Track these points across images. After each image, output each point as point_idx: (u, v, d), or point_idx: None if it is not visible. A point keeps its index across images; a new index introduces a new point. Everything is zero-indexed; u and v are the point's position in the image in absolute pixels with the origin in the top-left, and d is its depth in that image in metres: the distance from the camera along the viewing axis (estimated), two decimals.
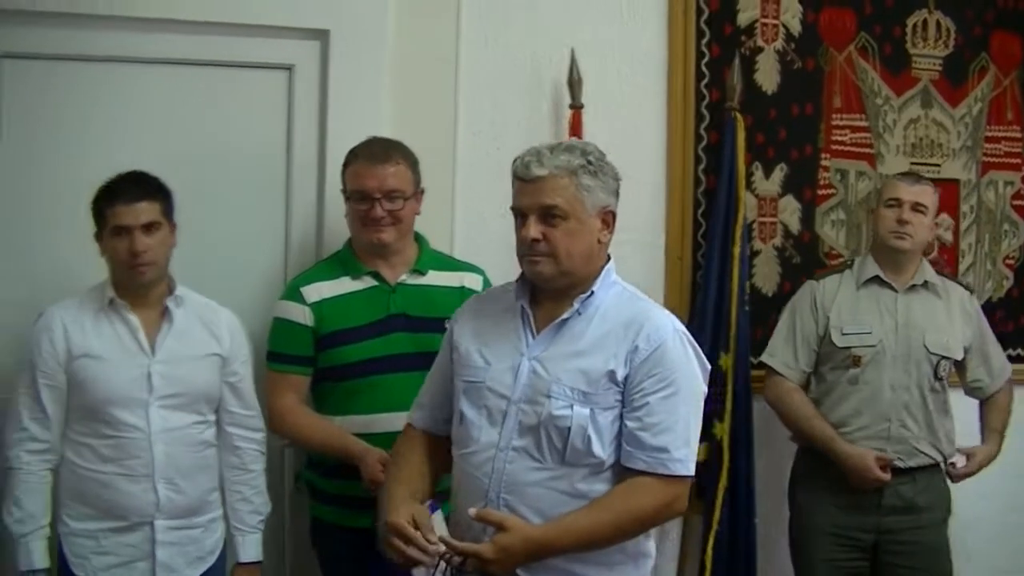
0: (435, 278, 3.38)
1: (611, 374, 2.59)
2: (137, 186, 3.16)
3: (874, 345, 3.69)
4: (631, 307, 2.69)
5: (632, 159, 3.95)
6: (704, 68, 4.11)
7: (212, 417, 3.26)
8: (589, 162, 2.61)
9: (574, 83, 3.85)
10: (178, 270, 3.32)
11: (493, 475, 2.62)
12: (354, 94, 3.72)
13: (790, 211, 4.25)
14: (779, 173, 4.22)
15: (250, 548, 3.33)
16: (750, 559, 4.02)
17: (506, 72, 3.91)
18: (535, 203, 2.61)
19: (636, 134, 4.04)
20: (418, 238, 3.44)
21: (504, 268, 3.55)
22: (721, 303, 3.97)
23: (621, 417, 2.60)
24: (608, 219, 2.67)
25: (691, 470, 2.64)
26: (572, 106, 3.86)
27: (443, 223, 3.69)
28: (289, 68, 3.76)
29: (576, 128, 3.83)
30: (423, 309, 3.34)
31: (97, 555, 3.12)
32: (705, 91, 4.11)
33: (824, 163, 4.29)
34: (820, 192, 4.29)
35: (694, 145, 4.10)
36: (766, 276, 4.23)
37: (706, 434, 3.90)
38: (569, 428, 2.57)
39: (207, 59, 3.71)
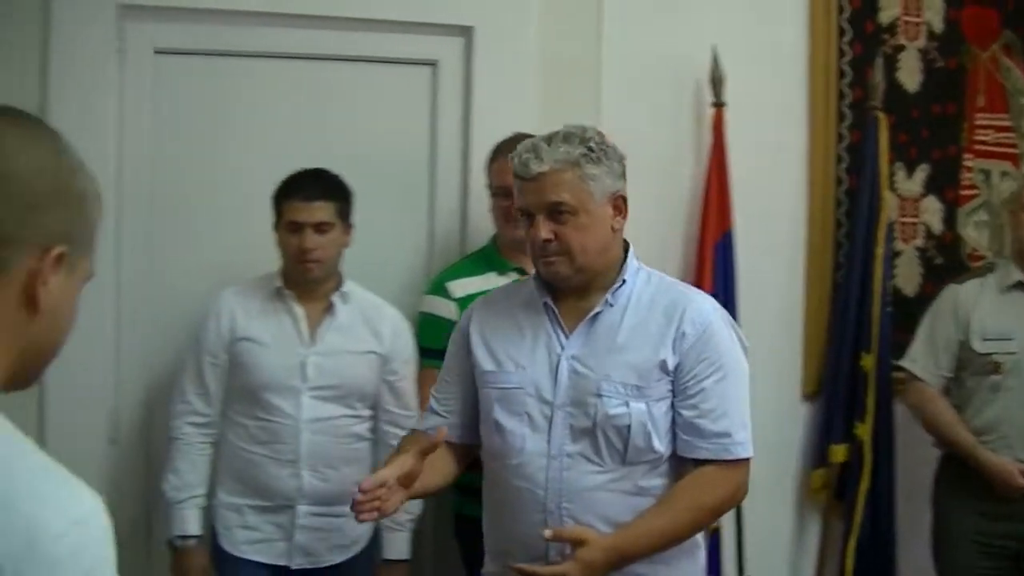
0: None
1: (662, 364, 2.46)
2: (316, 185, 3.24)
3: (1015, 352, 3.58)
4: (667, 292, 2.56)
5: (773, 158, 4.00)
6: (846, 67, 4.06)
7: (366, 412, 3.30)
8: (590, 149, 2.46)
9: (716, 81, 3.83)
10: None
11: (548, 485, 2.46)
12: (498, 91, 3.73)
13: (932, 211, 4.18)
14: (921, 173, 4.16)
15: (398, 546, 3.37)
16: (890, 563, 3.97)
17: (648, 70, 3.89)
18: (541, 202, 2.45)
19: (777, 132, 4.01)
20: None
21: (650, 266, 3.55)
22: (863, 303, 3.92)
23: (673, 407, 2.49)
24: (619, 204, 2.54)
25: (751, 451, 2.52)
26: (714, 104, 3.84)
27: None
28: (433, 64, 3.79)
29: (718, 127, 3.82)
30: None
31: (241, 529, 3.24)
32: (847, 90, 4.06)
33: (967, 163, 4.22)
34: (963, 192, 4.22)
35: (835, 144, 4.05)
36: (908, 277, 4.16)
37: (847, 435, 3.89)
38: (628, 427, 2.44)
39: (353, 55, 3.75)
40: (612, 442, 2.45)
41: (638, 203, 3.77)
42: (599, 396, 2.45)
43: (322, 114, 3.73)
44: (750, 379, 3.68)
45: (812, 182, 4.04)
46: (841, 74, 4.06)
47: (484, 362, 2.60)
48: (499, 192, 3.34)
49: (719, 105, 3.83)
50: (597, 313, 2.51)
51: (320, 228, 3.19)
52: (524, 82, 3.76)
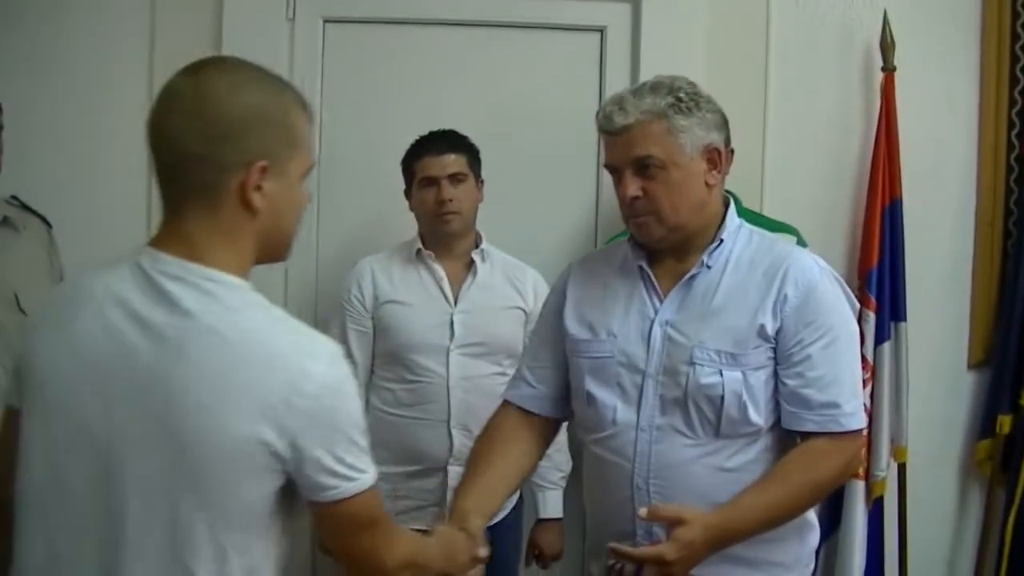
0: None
1: (761, 330, 2.29)
2: (444, 139, 3.32)
3: None
4: (768, 251, 2.37)
5: (943, 123, 3.93)
6: (1020, 30, 3.94)
7: (513, 369, 3.28)
8: (679, 99, 2.28)
9: (887, 46, 3.76)
10: (490, 231, 3.44)
11: (637, 458, 2.32)
12: (666, 57, 3.70)
13: None
14: None
15: (551, 505, 3.42)
16: None
17: (817, 35, 3.85)
18: (627, 157, 2.30)
19: (948, 97, 3.93)
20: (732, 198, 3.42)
21: (817, 233, 3.57)
22: None
23: (775, 376, 2.32)
24: (714, 157, 2.34)
25: (863, 422, 2.37)
26: (884, 69, 3.78)
27: (753, 186, 3.67)
28: (601, 30, 3.81)
29: (888, 91, 3.76)
30: None
31: (393, 499, 3.16)
32: (1020, 53, 3.93)
33: None
34: None
35: (1007, 109, 3.95)
36: None
37: (1014, 405, 3.83)
38: (722, 397, 2.27)
39: (520, 21, 3.80)
40: (705, 413, 2.29)
41: (805, 168, 3.82)
42: (691, 364, 2.29)
43: (490, 81, 3.79)
44: (915, 348, 3.70)
45: (982, 147, 3.95)
46: (1015, 37, 3.93)
47: (576, 330, 2.46)
48: None
49: (889, 70, 3.77)
50: (692, 275, 2.35)
51: (455, 179, 3.26)
52: (692, 47, 3.75)
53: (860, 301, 3.72)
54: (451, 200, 3.24)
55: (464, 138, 3.36)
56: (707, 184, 2.34)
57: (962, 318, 3.95)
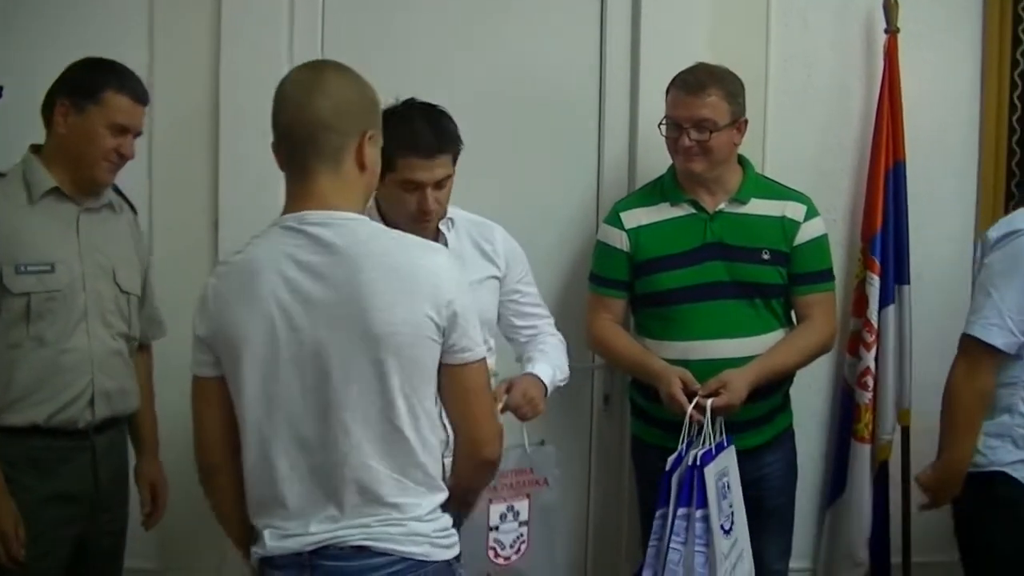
0: (756, 207, 3.35)
1: None
2: (434, 138, 2.91)
3: None
4: None
5: (946, 84, 3.91)
6: None
7: (492, 342, 3.06)
8: None
9: (890, 7, 3.74)
10: (489, 194, 3.41)
11: None
12: (667, 19, 3.71)
13: None
14: None
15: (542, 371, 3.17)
16: None
17: None
18: None
19: (950, 60, 3.92)
20: (744, 163, 3.42)
21: (820, 197, 3.54)
22: None
23: None
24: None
25: None
26: (887, 31, 3.75)
27: (755, 149, 3.62)
28: None
29: (892, 53, 3.74)
30: (741, 238, 3.32)
31: None
32: (1023, 15, 3.93)
33: None
34: None
35: (1010, 72, 3.93)
36: None
37: None
38: None
39: None
40: None
41: (808, 130, 3.80)
42: None
43: (491, 41, 3.76)
44: (918, 311, 3.76)
45: (985, 109, 3.94)
46: None
47: None
48: (668, 124, 3.32)
49: (893, 32, 3.75)
50: None
51: (440, 184, 2.93)
52: (694, 10, 3.74)
53: (864, 265, 3.74)
54: (436, 208, 2.95)
55: (452, 129, 2.97)
56: None
57: (966, 283, 3.93)
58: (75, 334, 2.97)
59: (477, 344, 2.29)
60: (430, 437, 2.27)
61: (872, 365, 3.73)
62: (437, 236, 3.04)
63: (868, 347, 3.74)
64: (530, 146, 3.74)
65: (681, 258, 3.34)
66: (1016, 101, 3.94)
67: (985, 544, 3.07)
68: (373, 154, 2.31)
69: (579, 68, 3.77)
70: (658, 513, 3.06)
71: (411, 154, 2.86)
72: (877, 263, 3.73)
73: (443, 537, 2.28)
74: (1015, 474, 3.00)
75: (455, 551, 2.31)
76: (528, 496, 3.12)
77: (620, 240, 3.38)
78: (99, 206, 3.09)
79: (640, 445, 3.52)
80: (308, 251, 2.20)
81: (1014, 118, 3.95)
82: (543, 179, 3.73)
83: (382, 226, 2.35)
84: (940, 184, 3.89)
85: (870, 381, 3.74)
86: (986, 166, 3.96)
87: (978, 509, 3.09)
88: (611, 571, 3.88)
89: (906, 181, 3.77)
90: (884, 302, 3.74)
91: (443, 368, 2.26)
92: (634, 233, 3.37)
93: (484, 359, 2.32)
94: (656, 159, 3.49)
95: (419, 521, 2.24)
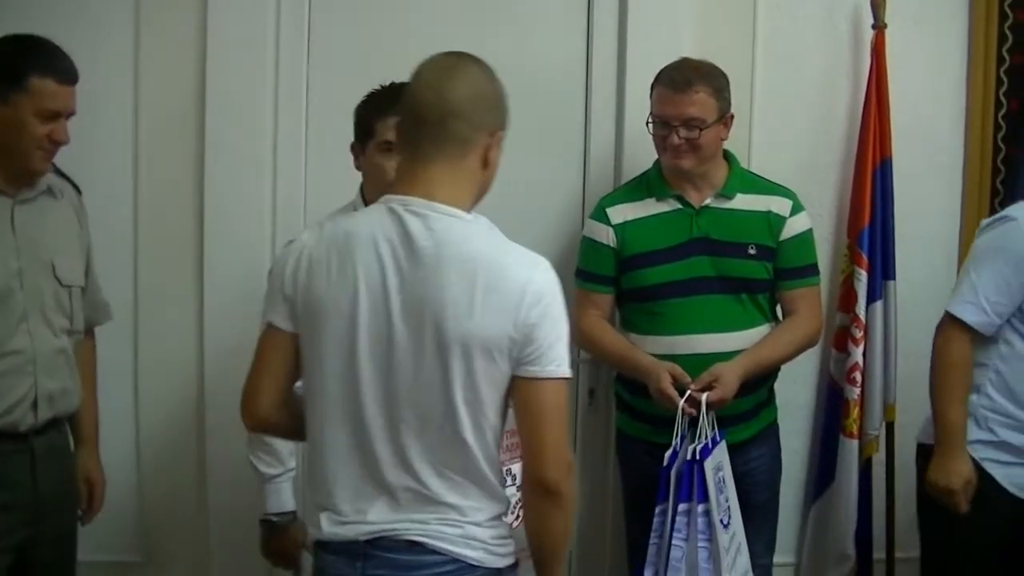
0: (742, 202, 3.35)
1: None
2: None
3: None
4: None
5: (932, 81, 3.92)
6: None
7: None
8: None
9: (876, 3, 3.73)
10: None
11: None
12: (654, 14, 3.70)
13: None
14: None
15: None
16: None
17: None
18: None
19: (936, 55, 3.92)
20: (730, 158, 3.41)
21: (807, 193, 3.54)
22: None
23: None
24: None
25: None
26: (875, 26, 3.75)
27: (741, 144, 3.62)
28: None
29: (879, 49, 3.73)
30: (726, 233, 3.32)
31: None
32: (1009, 11, 3.92)
33: None
34: None
35: (996, 67, 3.94)
36: None
37: None
38: None
39: None
40: None
41: (794, 125, 3.80)
42: None
43: (477, 36, 3.69)
44: (904, 307, 3.72)
45: (971, 105, 3.95)
46: None
47: None
48: (656, 121, 3.31)
49: (880, 27, 3.74)
50: None
51: None
52: (680, 6, 3.73)
53: (851, 260, 3.75)
54: None
55: None
56: None
57: (952, 279, 3.94)
58: (16, 336, 2.80)
59: (554, 362, 2.19)
60: (493, 448, 2.24)
61: (860, 360, 3.73)
62: None
63: (857, 342, 3.74)
64: (516, 141, 3.65)
65: (667, 253, 3.34)
66: (1002, 98, 3.95)
67: (942, 519, 3.16)
68: (497, 155, 2.31)
69: (565, 62, 3.76)
70: (657, 510, 3.06)
71: (389, 111, 2.82)
72: (865, 258, 3.74)
73: (499, 545, 2.27)
74: (974, 453, 3.11)
75: (510, 560, 2.30)
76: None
77: (606, 235, 3.37)
78: (35, 195, 2.90)
79: (625, 439, 3.53)
80: (401, 238, 2.17)
81: (1000, 115, 3.95)
82: (529, 174, 3.72)
83: (487, 228, 2.26)
84: (926, 180, 3.89)
85: (859, 376, 3.74)
86: (972, 163, 3.96)
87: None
88: (595, 564, 3.87)
89: (892, 178, 3.77)
90: (872, 297, 3.75)
91: (515, 381, 2.20)
92: (620, 228, 3.36)
93: (564, 379, 2.21)
94: (642, 154, 3.49)
95: (477, 526, 2.23)
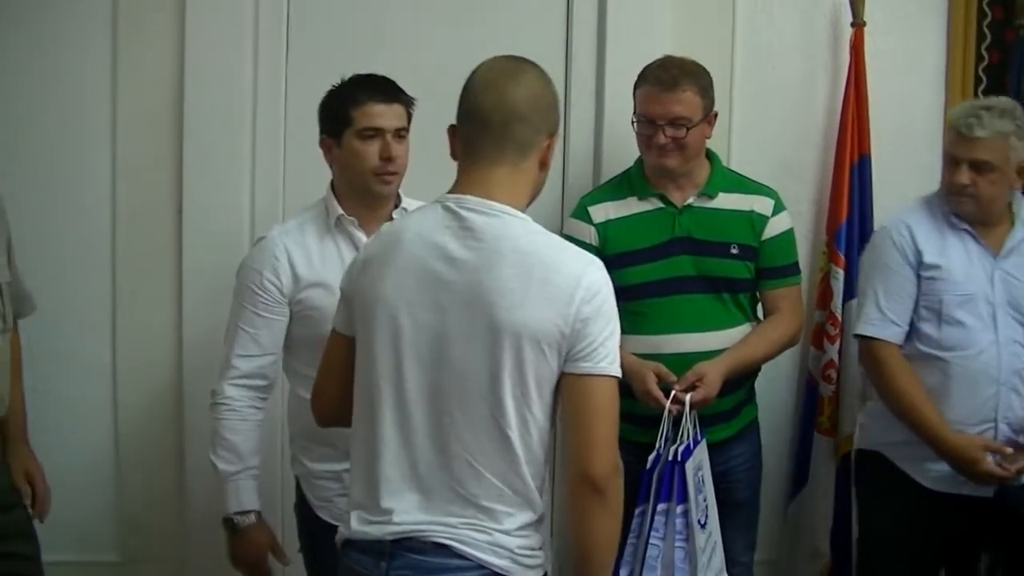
0: (724, 201, 3.34)
1: None
2: (390, 86, 2.96)
3: None
4: None
5: (911, 78, 3.92)
6: None
7: None
8: (1019, 126, 3.09)
9: (856, 0, 3.74)
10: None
11: None
12: (633, 12, 3.70)
13: None
14: None
15: None
16: None
17: None
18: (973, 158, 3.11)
19: (915, 53, 3.94)
20: (712, 157, 3.41)
21: (781, 187, 3.53)
22: None
23: None
24: None
25: None
26: (854, 24, 3.76)
27: (721, 142, 3.62)
28: None
29: (858, 47, 3.75)
30: (709, 232, 3.31)
31: (341, 497, 2.81)
32: (987, 9, 3.94)
33: None
34: None
35: (975, 65, 3.96)
36: None
37: None
38: None
39: None
40: None
41: (773, 123, 3.80)
42: None
43: (456, 35, 3.72)
44: None
45: (949, 103, 3.93)
46: None
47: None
48: (640, 120, 3.30)
49: (859, 24, 3.75)
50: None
51: (399, 134, 2.93)
52: (659, 4, 3.73)
53: (829, 259, 3.75)
54: (397, 158, 2.92)
55: (403, 89, 3.02)
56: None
57: None
58: None
59: (606, 359, 2.19)
60: (537, 450, 2.22)
61: (836, 358, 3.75)
62: (392, 216, 3.03)
63: (832, 340, 3.76)
64: None
65: (649, 252, 3.33)
66: (980, 96, 3.95)
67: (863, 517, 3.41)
68: (551, 156, 2.33)
69: (545, 60, 3.62)
70: (637, 511, 3.05)
71: (368, 99, 2.94)
72: (842, 257, 3.75)
73: (528, 556, 2.24)
74: (887, 453, 3.26)
75: (538, 572, 2.27)
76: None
77: (588, 235, 3.36)
78: None
79: (628, 444, 3.49)
80: (455, 233, 2.20)
81: None
82: None
83: (541, 228, 2.28)
84: (904, 178, 3.88)
85: (834, 374, 3.76)
86: None
87: (859, 486, 3.46)
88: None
89: (871, 175, 3.78)
90: (848, 295, 3.75)
91: (566, 378, 2.19)
92: (602, 227, 3.35)
93: (615, 377, 2.21)
94: (622, 152, 3.49)
95: (506, 534, 2.20)
